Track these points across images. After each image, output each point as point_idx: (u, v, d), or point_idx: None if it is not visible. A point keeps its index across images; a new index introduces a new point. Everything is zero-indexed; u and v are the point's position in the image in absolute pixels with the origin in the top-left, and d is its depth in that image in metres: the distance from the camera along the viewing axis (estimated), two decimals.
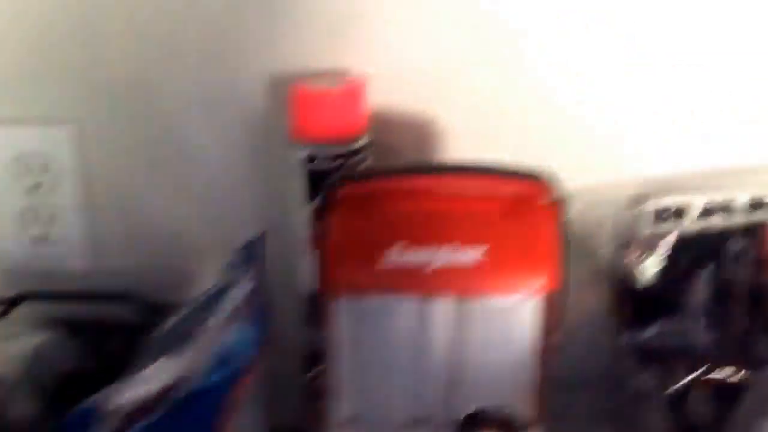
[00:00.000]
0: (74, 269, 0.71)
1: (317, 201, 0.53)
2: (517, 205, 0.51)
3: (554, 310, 0.51)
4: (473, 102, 0.64)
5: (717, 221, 0.62)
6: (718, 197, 0.62)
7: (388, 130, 0.64)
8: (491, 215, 0.51)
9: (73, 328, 0.63)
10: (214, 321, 0.44)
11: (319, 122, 0.59)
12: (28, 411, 0.52)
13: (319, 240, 0.52)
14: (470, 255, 0.50)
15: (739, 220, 0.62)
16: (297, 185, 0.61)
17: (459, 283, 0.50)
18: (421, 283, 0.50)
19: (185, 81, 0.65)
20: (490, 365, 0.52)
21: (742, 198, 0.62)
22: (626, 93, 0.64)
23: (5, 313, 0.65)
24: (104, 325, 0.65)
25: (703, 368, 0.57)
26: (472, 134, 0.65)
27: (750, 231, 0.61)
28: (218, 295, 0.46)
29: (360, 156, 0.61)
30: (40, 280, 0.68)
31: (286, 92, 0.61)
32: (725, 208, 0.62)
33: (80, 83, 0.66)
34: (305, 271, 0.63)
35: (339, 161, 0.60)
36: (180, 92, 0.66)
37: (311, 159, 0.60)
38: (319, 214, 0.52)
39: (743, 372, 0.56)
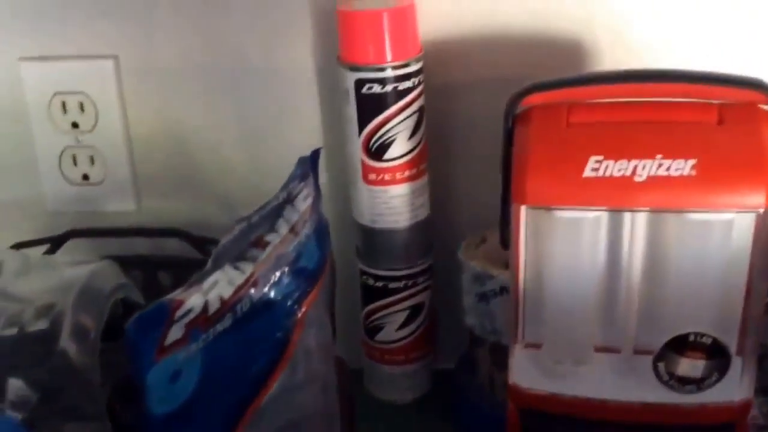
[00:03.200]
0: (117, 210, 0.70)
1: (507, 108, 0.51)
2: (732, 114, 0.48)
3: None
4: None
5: None
6: None
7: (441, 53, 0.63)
8: (703, 124, 0.48)
9: (121, 263, 0.63)
10: (276, 232, 0.43)
11: (368, 45, 0.58)
12: (82, 338, 0.51)
13: (510, 150, 0.50)
14: (678, 166, 0.47)
15: None
16: (349, 112, 0.60)
17: (664, 196, 0.47)
18: (623, 195, 0.47)
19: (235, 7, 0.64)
20: (692, 288, 0.49)
21: None
22: None
23: (54, 250, 0.64)
24: (152, 260, 0.65)
25: None
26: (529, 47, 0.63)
27: None
28: (279, 208, 0.45)
29: (413, 80, 0.60)
30: (83, 221, 0.68)
31: (336, 15, 0.59)
32: None
33: (118, 18, 0.66)
34: (360, 199, 0.62)
35: (391, 85, 0.59)
36: (226, 20, 0.65)
37: (361, 84, 0.59)
38: (509, 124, 0.50)
39: None
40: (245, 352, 0.41)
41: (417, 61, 0.60)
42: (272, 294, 0.42)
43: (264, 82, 0.66)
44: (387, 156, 0.61)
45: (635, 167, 0.47)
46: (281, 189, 0.47)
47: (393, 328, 0.66)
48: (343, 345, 0.56)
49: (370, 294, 0.66)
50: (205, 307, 0.40)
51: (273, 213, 0.45)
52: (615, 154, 0.47)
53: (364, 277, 0.65)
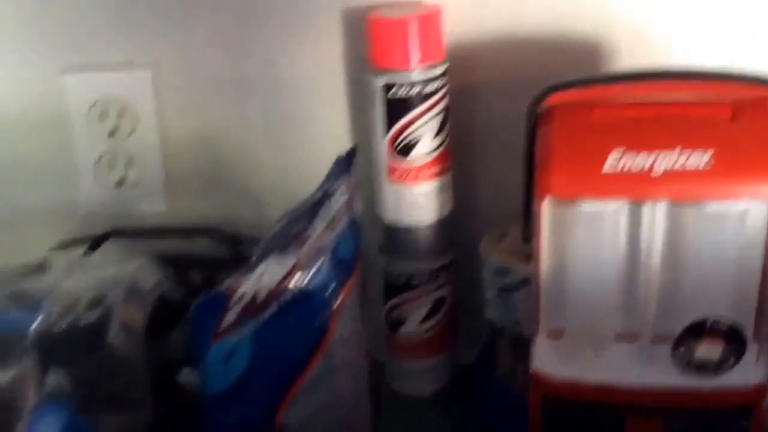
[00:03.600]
0: (152, 211, 0.73)
1: (530, 107, 0.54)
2: (747, 109, 0.50)
3: None
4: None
5: None
6: None
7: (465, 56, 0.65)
8: (718, 119, 0.50)
9: (158, 262, 0.65)
10: (316, 227, 0.46)
11: (396, 51, 0.61)
12: (129, 331, 0.54)
13: (533, 147, 0.52)
14: (695, 160, 0.49)
15: None
16: (376, 114, 0.63)
17: (682, 188, 0.50)
18: (642, 188, 0.50)
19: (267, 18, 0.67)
20: (709, 275, 0.51)
21: None
22: None
23: (93, 249, 0.67)
24: (183, 260, 0.68)
25: None
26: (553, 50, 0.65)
27: None
28: (318, 203, 0.48)
29: (438, 82, 0.62)
30: (120, 222, 0.71)
31: (364, 22, 0.62)
32: None
33: (156, 28, 0.69)
34: (385, 197, 0.65)
35: (417, 88, 0.62)
36: (258, 30, 0.68)
37: (389, 87, 0.61)
38: (532, 122, 0.52)
39: None
40: (288, 337, 0.44)
41: (442, 64, 0.63)
42: (312, 284, 0.45)
43: (293, 88, 0.69)
44: (412, 155, 0.64)
45: (653, 161, 0.50)
46: (319, 186, 0.49)
47: (415, 322, 0.68)
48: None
49: (392, 289, 0.68)
50: (255, 295, 0.42)
51: (312, 209, 0.48)
52: (634, 149, 0.50)
53: (387, 272, 0.68)
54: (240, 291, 0.42)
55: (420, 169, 0.64)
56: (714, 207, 0.50)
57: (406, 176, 0.64)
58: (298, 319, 0.44)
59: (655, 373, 0.53)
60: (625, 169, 0.50)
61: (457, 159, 0.67)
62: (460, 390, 0.70)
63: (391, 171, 0.64)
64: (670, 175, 0.49)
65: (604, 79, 0.55)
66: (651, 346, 0.54)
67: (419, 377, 0.70)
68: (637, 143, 0.50)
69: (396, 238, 0.67)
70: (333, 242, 0.46)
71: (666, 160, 0.50)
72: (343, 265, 0.47)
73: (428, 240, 0.66)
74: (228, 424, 0.43)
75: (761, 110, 0.51)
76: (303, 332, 0.45)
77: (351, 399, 0.52)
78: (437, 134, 0.64)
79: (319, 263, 0.45)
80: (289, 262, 0.44)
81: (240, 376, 0.43)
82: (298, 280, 0.44)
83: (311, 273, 0.45)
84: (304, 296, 0.45)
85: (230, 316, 0.42)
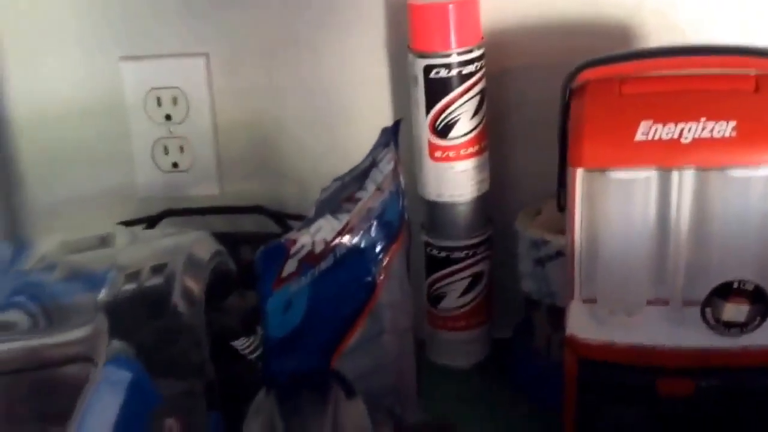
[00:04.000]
0: (205, 193, 0.77)
1: (564, 83, 0.57)
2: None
3: None
4: None
5: None
6: None
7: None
8: (742, 91, 0.54)
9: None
10: (365, 190, 0.50)
11: (436, 34, 0.65)
12: (189, 298, 0.57)
13: (567, 121, 0.55)
14: (720, 129, 0.52)
15: None
16: (417, 95, 0.66)
17: (707, 155, 0.53)
18: (670, 156, 0.53)
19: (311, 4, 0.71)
20: (735, 239, 0.54)
21: None
22: None
23: (151, 228, 0.71)
24: (234, 236, 0.71)
25: None
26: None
27: None
28: (367, 170, 0.51)
29: (476, 65, 0.66)
30: (171, 206, 0.74)
31: (406, 6, 0.66)
32: None
33: (208, 18, 0.73)
34: (426, 175, 0.69)
35: (456, 70, 0.65)
36: (302, 16, 0.71)
37: (429, 69, 0.65)
38: (566, 97, 0.56)
39: None
40: (342, 290, 0.48)
41: (479, 47, 0.66)
42: (363, 242, 0.49)
43: (337, 72, 0.73)
44: (452, 135, 0.67)
45: (681, 130, 0.53)
46: (367, 155, 0.53)
47: (455, 296, 0.71)
48: None
49: (433, 264, 0.71)
50: (313, 246, 0.46)
51: (362, 174, 0.51)
52: (663, 119, 0.53)
53: (429, 248, 0.71)
54: (300, 242, 0.46)
55: (459, 147, 0.68)
56: (738, 173, 0.53)
57: (447, 155, 0.68)
58: (351, 272, 0.48)
59: (685, 334, 0.55)
60: (655, 139, 0.53)
61: (493, 139, 0.70)
62: (498, 362, 0.73)
63: (433, 150, 0.68)
64: (697, 144, 0.53)
65: (634, 56, 0.59)
66: (681, 309, 0.57)
67: (459, 350, 0.73)
68: (665, 113, 0.53)
69: (436, 214, 0.70)
70: (381, 204, 0.50)
71: (693, 129, 0.53)
72: (390, 228, 0.50)
73: (467, 216, 0.70)
74: (284, 372, 0.47)
75: None
76: (355, 286, 0.48)
77: (398, 362, 0.55)
78: (475, 114, 0.67)
79: (369, 223, 0.49)
80: (343, 219, 0.48)
81: (297, 326, 0.46)
82: (351, 237, 0.48)
83: (362, 232, 0.49)
84: (357, 251, 0.48)
85: (290, 265, 0.45)
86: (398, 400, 0.54)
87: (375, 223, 0.49)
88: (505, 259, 0.70)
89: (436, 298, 0.72)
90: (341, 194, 0.50)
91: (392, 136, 0.54)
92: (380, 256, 0.49)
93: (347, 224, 0.48)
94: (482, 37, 0.67)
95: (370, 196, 0.49)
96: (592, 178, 0.55)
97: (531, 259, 0.67)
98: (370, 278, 0.49)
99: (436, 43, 0.65)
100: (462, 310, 0.72)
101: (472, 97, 0.66)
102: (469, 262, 0.71)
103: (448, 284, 0.71)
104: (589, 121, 0.55)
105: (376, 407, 0.49)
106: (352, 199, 0.49)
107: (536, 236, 0.66)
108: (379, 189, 0.50)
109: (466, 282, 0.71)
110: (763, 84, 0.54)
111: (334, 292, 0.48)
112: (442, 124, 0.67)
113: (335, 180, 0.52)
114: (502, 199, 0.73)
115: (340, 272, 0.47)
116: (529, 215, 0.69)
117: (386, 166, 0.51)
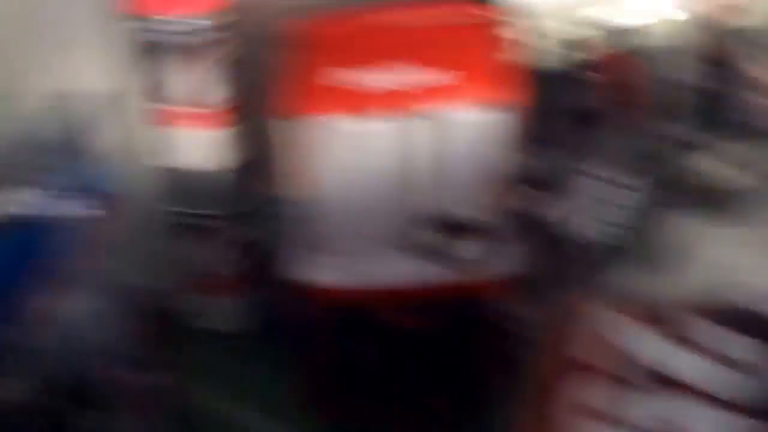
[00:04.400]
0: None
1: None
2: (477, 29, 0.56)
3: (515, 126, 0.54)
4: None
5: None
6: None
7: None
8: (436, 38, 0.56)
9: None
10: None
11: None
12: None
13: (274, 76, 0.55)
14: (427, 76, 0.54)
15: None
16: (140, 61, 0.65)
17: (416, 101, 0.54)
18: (365, 103, 0.54)
19: None
20: (452, 182, 0.56)
21: None
22: None
23: None
24: None
25: None
26: None
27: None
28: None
29: (209, 34, 0.63)
30: None
31: None
32: None
33: None
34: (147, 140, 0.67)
35: (180, 37, 0.63)
36: None
37: (147, 32, 0.63)
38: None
39: None
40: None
41: (209, 16, 0.62)
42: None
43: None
44: (176, 101, 0.65)
45: (378, 77, 0.54)
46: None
47: (209, 265, 0.71)
48: None
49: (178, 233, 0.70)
50: None
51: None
52: (357, 64, 0.54)
53: (175, 216, 0.70)
54: None
55: (193, 117, 0.66)
56: (450, 117, 0.54)
57: (176, 122, 0.66)
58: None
59: (406, 271, 0.58)
60: (350, 85, 0.54)
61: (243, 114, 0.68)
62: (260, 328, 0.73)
63: (160, 117, 0.66)
64: (403, 91, 0.54)
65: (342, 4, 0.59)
66: (408, 249, 0.58)
67: (218, 316, 0.73)
68: (361, 58, 0.54)
69: (173, 184, 0.69)
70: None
71: (395, 77, 0.54)
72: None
73: (209, 187, 0.69)
74: None
75: (488, 28, 0.57)
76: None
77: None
78: (212, 85, 0.65)
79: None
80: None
81: None
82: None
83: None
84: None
85: None
86: None
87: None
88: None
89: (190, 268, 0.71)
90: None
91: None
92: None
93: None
94: (223, 6, 0.64)
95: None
96: (294, 129, 0.55)
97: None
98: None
99: (155, 6, 0.63)
100: (220, 278, 0.72)
101: (208, 67, 0.64)
102: (220, 233, 0.70)
103: (199, 254, 0.71)
104: (282, 73, 0.55)
105: None
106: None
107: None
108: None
109: (221, 251, 0.71)
110: (468, 32, 0.56)
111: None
112: (166, 91, 0.65)
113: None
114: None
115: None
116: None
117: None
